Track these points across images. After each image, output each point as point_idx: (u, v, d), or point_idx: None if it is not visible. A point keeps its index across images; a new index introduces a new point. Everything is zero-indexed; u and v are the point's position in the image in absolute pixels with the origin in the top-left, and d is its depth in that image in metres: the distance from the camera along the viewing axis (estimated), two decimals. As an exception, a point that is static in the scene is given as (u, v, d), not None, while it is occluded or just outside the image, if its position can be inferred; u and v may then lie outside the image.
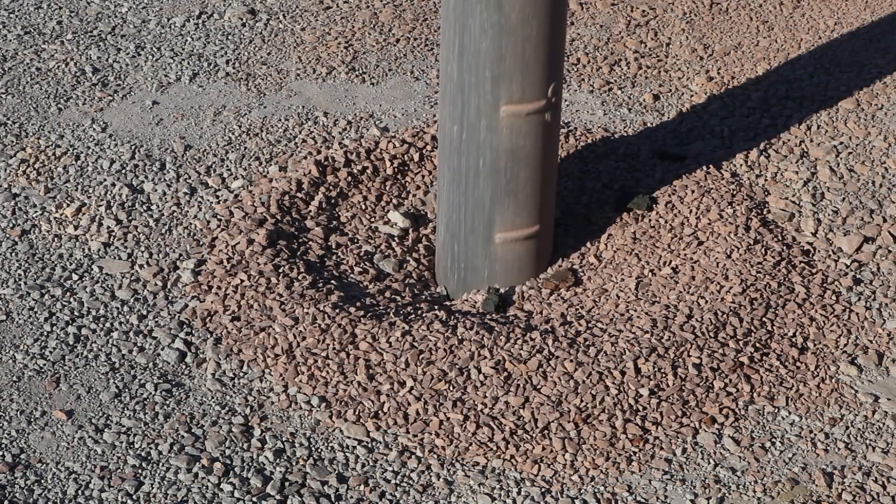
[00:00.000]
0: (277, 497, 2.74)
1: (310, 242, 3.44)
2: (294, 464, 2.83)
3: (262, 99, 4.14)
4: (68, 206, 3.59)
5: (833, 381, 3.10)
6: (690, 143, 3.96)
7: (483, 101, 3.10)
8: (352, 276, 3.36)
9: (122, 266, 3.39)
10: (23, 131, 3.92)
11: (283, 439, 2.89)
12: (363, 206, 3.61)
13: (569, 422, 2.91)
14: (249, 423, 2.93)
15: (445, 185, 3.28)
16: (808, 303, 3.28)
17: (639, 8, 4.74)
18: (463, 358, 3.02)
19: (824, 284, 3.36)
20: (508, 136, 3.14)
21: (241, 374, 3.07)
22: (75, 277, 3.34)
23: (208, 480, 2.77)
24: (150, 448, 2.85)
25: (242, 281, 3.27)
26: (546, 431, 2.90)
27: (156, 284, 3.33)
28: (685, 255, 3.41)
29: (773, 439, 2.93)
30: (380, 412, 2.95)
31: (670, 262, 3.39)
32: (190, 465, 2.80)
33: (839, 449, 2.91)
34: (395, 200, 3.64)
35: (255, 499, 2.73)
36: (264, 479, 2.79)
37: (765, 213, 3.60)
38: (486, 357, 3.02)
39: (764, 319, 3.20)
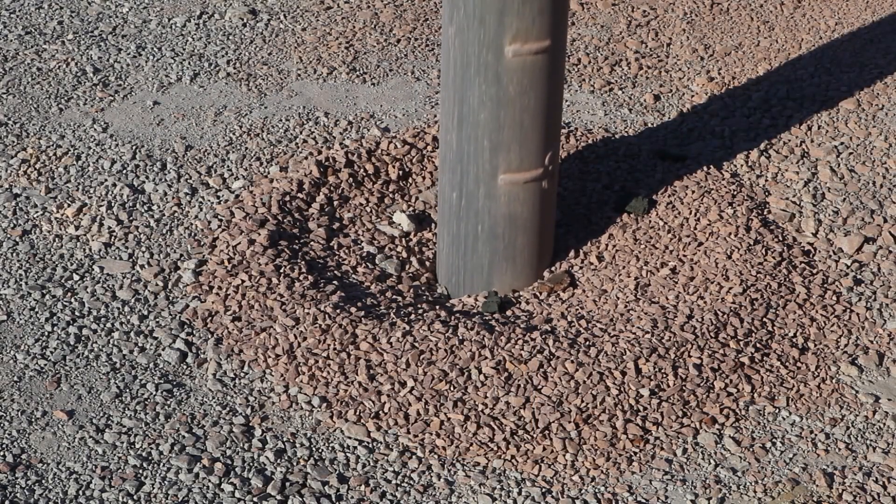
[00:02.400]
0: (278, 497, 2.74)
1: (311, 243, 3.45)
2: (295, 464, 2.83)
3: (262, 99, 4.14)
4: (69, 206, 3.59)
5: (834, 381, 3.10)
6: (691, 144, 3.96)
7: (482, 169, 3.18)
8: (353, 276, 3.36)
9: (123, 266, 3.39)
10: (24, 131, 3.92)
11: (284, 439, 2.89)
12: (364, 207, 3.61)
13: (569, 422, 2.91)
14: (250, 424, 2.93)
15: (445, 249, 3.35)
16: (808, 303, 3.28)
17: (639, 8, 4.74)
18: (464, 358, 3.02)
19: (825, 285, 3.36)
20: (506, 203, 3.21)
21: (242, 375, 3.07)
22: (76, 277, 3.34)
23: (209, 481, 2.77)
24: (151, 448, 2.85)
25: (243, 281, 3.27)
26: (547, 432, 2.90)
27: (157, 285, 3.33)
28: (685, 255, 3.41)
29: (774, 439, 2.93)
30: (380, 412, 2.95)
31: (671, 262, 3.39)
32: (191, 466, 2.80)
33: (840, 449, 2.91)
34: (396, 200, 3.65)
35: (255, 499, 2.73)
36: (265, 479, 2.79)
37: (765, 213, 3.60)
38: (486, 357, 3.02)
39: (764, 320, 3.20)
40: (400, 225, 3.55)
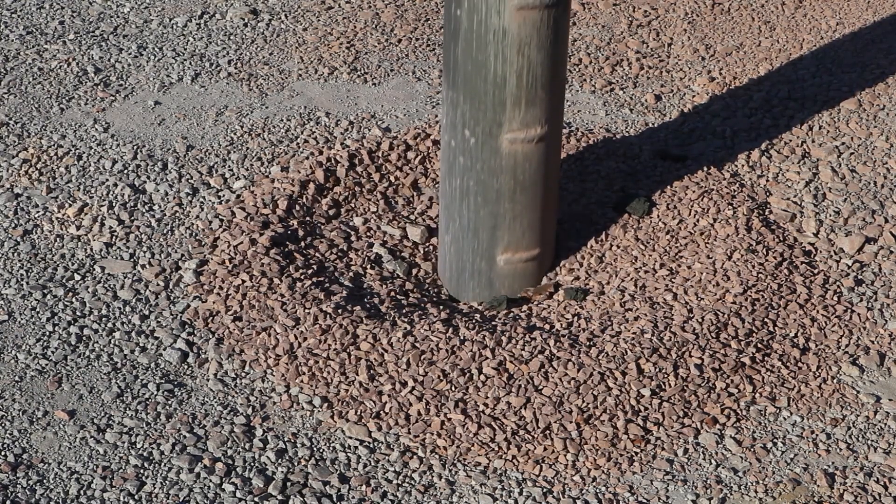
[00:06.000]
0: (279, 497, 2.74)
1: (312, 242, 3.45)
2: (296, 464, 2.83)
3: (263, 99, 4.14)
4: (70, 206, 3.59)
5: (835, 381, 3.10)
6: (692, 144, 3.96)
7: None
8: (354, 277, 3.36)
9: (124, 266, 3.39)
10: (25, 131, 3.92)
11: (285, 439, 2.90)
12: (364, 207, 3.61)
13: (570, 422, 2.91)
14: (251, 424, 2.93)
15: None
16: (809, 303, 3.28)
17: (641, 8, 4.74)
18: (465, 358, 3.02)
19: (826, 285, 3.36)
20: None
21: (243, 375, 3.07)
22: (77, 277, 3.35)
23: (210, 481, 2.77)
24: (152, 448, 2.85)
25: (244, 281, 3.27)
26: (548, 432, 2.90)
27: (158, 284, 3.33)
28: (686, 255, 3.41)
29: (775, 440, 2.93)
30: (381, 412, 2.95)
31: (671, 262, 3.39)
32: (192, 466, 2.80)
33: (841, 449, 2.91)
34: (395, 199, 3.65)
35: (256, 499, 2.74)
36: (266, 479, 2.79)
37: (766, 213, 3.60)
38: (487, 357, 3.02)
39: (766, 320, 3.20)
40: (413, 236, 3.53)
